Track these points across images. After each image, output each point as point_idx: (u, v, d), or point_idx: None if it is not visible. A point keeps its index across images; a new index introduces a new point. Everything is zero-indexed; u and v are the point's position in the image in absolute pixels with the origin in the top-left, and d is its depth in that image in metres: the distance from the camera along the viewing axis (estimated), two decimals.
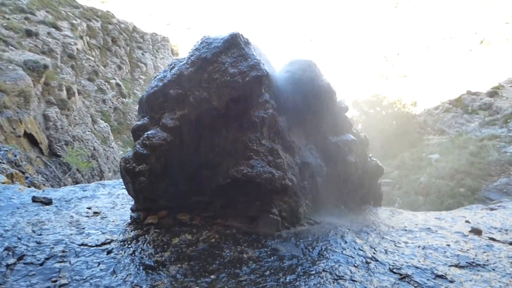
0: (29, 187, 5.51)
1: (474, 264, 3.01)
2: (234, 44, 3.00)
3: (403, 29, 77.71)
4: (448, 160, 12.91)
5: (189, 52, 3.16)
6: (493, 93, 19.91)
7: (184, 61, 3.17)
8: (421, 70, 50.47)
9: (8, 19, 18.17)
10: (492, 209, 5.82)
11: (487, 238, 3.72)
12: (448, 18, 71.94)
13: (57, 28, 21.32)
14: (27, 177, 7.23)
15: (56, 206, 3.91)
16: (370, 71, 72.65)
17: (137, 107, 3.72)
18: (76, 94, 15.07)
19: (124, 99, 24.35)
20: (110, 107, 21.92)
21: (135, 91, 28.74)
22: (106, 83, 23.21)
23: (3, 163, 6.62)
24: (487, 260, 3.10)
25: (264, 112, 3.11)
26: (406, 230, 3.77)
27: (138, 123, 3.50)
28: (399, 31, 77.57)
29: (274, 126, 3.24)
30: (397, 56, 68.33)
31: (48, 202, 3.97)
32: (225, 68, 2.94)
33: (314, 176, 3.60)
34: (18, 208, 3.79)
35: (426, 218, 4.48)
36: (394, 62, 69.70)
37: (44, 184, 8.00)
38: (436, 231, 3.81)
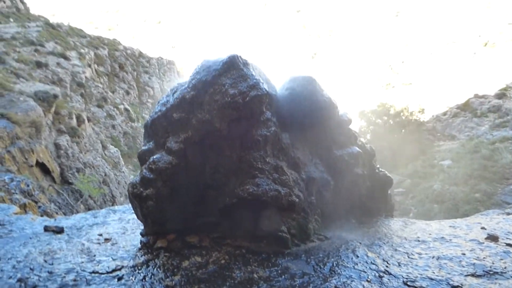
0: (42, 216, 5.58)
1: (491, 272, 2.92)
2: (233, 66, 3.05)
3: (406, 37, 77.93)
4: (461, 166, 12.72)
5: (190, 76, 3.22)
6: (501, 95, 19.71)
7: (186, 85, 3.23)
8: (427, 76, 50.32)
9: (18, 52, 18.77)
10: (508, 214, 5.67)
11: (504, 244, 3.62)
12: (450, 22, 71.96)
13: (65, 58, 21.92)
14: (39, 206, 7.32)
15: (68, 234, 3.94)
16: (376, 81, 72.66)
17: (143, 130, 3.78)
18: (86, 121, 15.34)
19: (133, 124, 24.71)
20: (119, 132, 22.25)
21: (143, 114, 29.17)
22: (115, 109, 23.63)
23: (16, 193, 6.72)
24: (505, 268, 3.02)
25: (266, 130, 3.12)
26: (419, 241, 3.69)
27: (143, 148, 3.54)
28: (402, 39, 77.80)
29: (278, 143, 3.24)
30: (402, 64, 68.34)
31: (59, 230, 4.00)
32: (225, 89, 2.98)
33: (321, 191, 3.57)
34: (30, 238, 3.83)
35: (440, 227, 4.38)
36: (399, 70, 69.67)
37: (56, 213, 8.08)
38: (450, 240, 3.72)
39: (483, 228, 4.30)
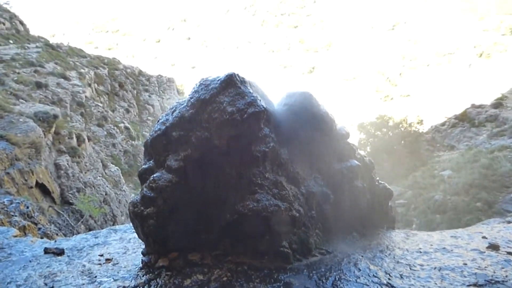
0: (41, 238, 5.56)
1: (493, 281, 2.92)
2: (231, 84, 3.11)
3: (402, 50, 78.81)
4: (461, 175, 12.72)
5: (189, 95, 3.28)
6: (498, 104, 19.86)
7: (185, 104, 3.28)
8: (424, 87, 50.71)
9: (18, 73, 18.95)
10: (509, 222, 5.67)
11: (505, 253, 3.61)
12: (445, 35, 72.90)
13: (65, 78, 22.13)
14: (39, 228, 7.28)
15: (68, 256, 3.92)
16: (374, 93, 73.13)
17: (144, 148, 3.82)
18: (86, 140, 15.39)
19: (133, 142, 24.77)
20: (120, 151, 22.28)
21: (143, 132, 29.26)
22: (115, 127, 23.72)
23: (15, 216, 6.70)
24: (506, 276, 3.01)
25: (265, 146, 3.16)
26: (421, 252, 3.68)
27: (144, 166, 3.57)
28: (399, 52, 78.66)
29: (276, 158, 3.27)
30: (399, 76, 68.91)
31: (60, 252, 3.98)
32: (223, 107, 3.03)
33: (321, 205, 3.58)
34: (30, 261, 3.82)
35: (441, 237, 4.38)
36: (397, 82, 70.18)
37: (57, 234, 8.03)
38: (452, 250, 3.71)
39: (484, 237, 4.29)
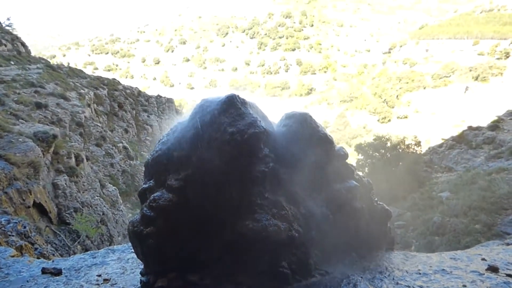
0: (38, 258, 5.51)
1: None
2: (231, 105, 3.18)
3: (399, 72, 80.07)
4: (459, 197, 12.72)
5: (190, 115, 3.35)
6: (494, 126, 20.06)
7: (186, 124, 3.35)
8: (421, 109, 51.28)
9: (18, 93, 19.09)
10: (508, 244, 5.67)
11: (505, 275, 3.61)
12: (442, 58, 74.27)
13: (65, 98, 22.28)
14: (36, 248, 7.21)
15: (66, 276, 3.91)
16: (372, 115, 73.85)
17: (143, 168, 3.85)
18: (85, 160, 15.39)
19: (131, 161, 24.73)
20: (118, 171, 22.21)
21: (142, 152, 29.26)
22: (114, 147, 23.74)
23: (13, 235, 6.65)
24: None
25: (265, 166, 3.21)
26: (420, 274, 3.68)
27: (144, 186, 3.60)
28: (396, 74, 79.85)
29: (276, 178, 3.32)
30: (396, 99, 69.75)
31: (57, 272, 3.97)
32: (224, 128, 3.09)
33: (320, 225, 3.60)
34: (27, 281, 3.80)
35: (441, 259, 4.37)
36: (394, 104, 70.94)
37: (53, 254, 7.95)
38: (451, 272, 3.71)
39: (483, 259, 4.29)
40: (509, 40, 61.60)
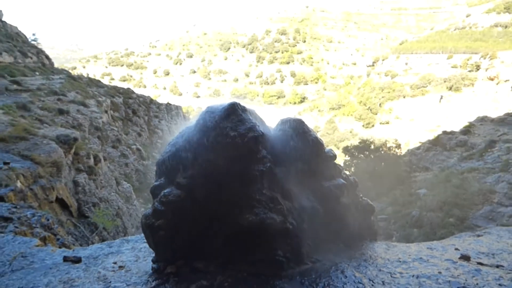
0: (60, 248, 5.49)
1: None
2: (233, 112, 3.20)
3: (381, 83, 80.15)
4: (435, 194, 12.72)
5: (196, 121, 3.36)
6: (466, 131, 20.13)
7: (192, 129, 3.36)
8: (401, 116, 51.39)
9: (43, 101, 19.08)
10: (479, 236, 5.67)
11: (476, 263, 3.62)
12: (419, 70, 74.46)
13: (85, 105, 22.28)
14: (58, 239, 7.18)
15: (85, 264, 3.89)
16: (357, 121, 73.92)
17: (155, 167, 3.86)
18: (102, 160, 15.36)
19: (144, 162, 24.70)
20: (132, 170, 22.18)
21: (153, 153, 29.22)
22: (128, 149, 23.71)
23: (37, 227, 6.62)
24: (477, 284, 3.02)
25: (262, 166, 3.22)
26: (400, 261, 3.69)
27: (155, 183, 3.61)
28: (379, 85, 79.90)
29: (273, 177, 3.33)
30: (379, 107, 69.85)
31: (77, 260, 3.95)
32: (226, 132, 3.11)
33: (312, 218, 3.61)
34: (50, 268, 3.78)
35: (418, 249, 4.38)
36: (377, 111, 71.00)
37: (74, 244, 7.92)
38: (428, 260, 3.72)
39: (456, 249, 4.31)
40: (480, 54, 61.89)
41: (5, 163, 8.73)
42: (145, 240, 4.02)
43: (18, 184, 8.56)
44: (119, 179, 17.47)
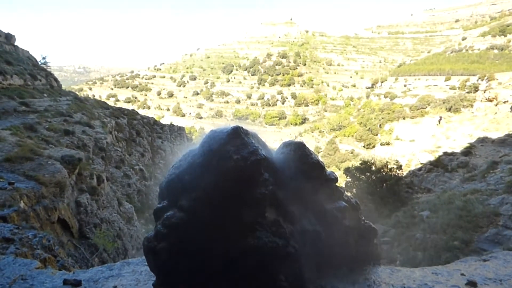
0: (60, 270, 5.39)
1: None
2: (236, 136, 3.22)
3: (382, 104, 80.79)
4: (438, 216, 12.54)
5: (200, 144, 3.38)
6: (467, 152, 20.09)
7: (196, 151, 3.37)
8: (402, 137, 51.40)
9: (49, 122, 19.26)
10: (485, 260, 5.54)
11: None
12: (419, 92, 75.19)
13: (90, 126, 22.46)
14: (58, 261, 7.07)
15: (85, 287, 3.82)
16: (358, 142, 73.96)
17: (157, 188, 3.85)
18: (105, 181, 15.33)
19: (146, 182, 24.63)
20: (134, 190, 22.08)
21: (156, 174, 29.18)
22: (131, 169, 23.70)
23: (38, 249, 6.54)
24: None
25: (265, 189, 3.21)
26: (405, 287, 3.60)
27: (158, 206, 3.59)
28: (379, 106, 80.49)
29: (275, 200, 3.31)
30: (379, 128, 70.01)
31: (77, 283, 3.88)
32: (229, 155, 3.12)
33: (314, 242, 3.56)
34: None
35: (423, 274, 4.28)
36: (377, 132, 71.12)
37: (73, 266, 7.78)
38: (433, 286, 3.63)
39: (462, 274, 4.21)
40: (477, 76, 62.67)
41: (9, 184, 8.73)
42: (145, 263, 3.96)
43: (22, 204, 8.52)
44: (121, 199, 17.35)
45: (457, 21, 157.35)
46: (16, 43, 33.13)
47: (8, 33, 32.45)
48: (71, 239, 10.75)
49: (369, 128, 74.27)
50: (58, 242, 9.21)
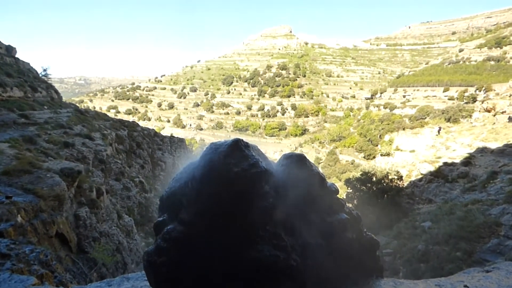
0: (57, 286, 5.33)
1: None
2: (236, 148, 3.22)
3: (381, 115, 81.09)
4: (440, 227, 12.44)
5: (200, 157, 3.38)
6: (467, 162, 20.06)
7: (196, 164, 3.37)
8: (401, 147, 51.41)
9: (49, 134, 19.27)
10: (487, 271, 5.47)
11: None
12: (418, 103, 75.65)
13: (90, 138, 22.48)
14: (56, 276, 6.98)
15: None
16: (358, 152, 73.99)
17: (157, 200, 3.83)
18: (105, 193, 15.26)
19: (146, 195, 24.50)
20: (134, 203, 21.95)
21: (156, 186, 29.07)
22: (131, 182, 23.61)
23: (35, 264, 6.46)
24: None
25: (265, 201, 3.20)
26: None
27: (159, 219, 3.57)
28: (379, 117, 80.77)
29: (276, 212, 3.29)
30: (379, 138, 70.12)
31: None
32: (230, 168, 3.12)
33: (316, 254, 3.52)
34: None
35: (426, 286, 4.23)
36: (377, 142, 71.16)
37: (71, 282, 7.67)
38: None
39: (466, 286, 4.16)
40: (475, 86, 63.18)
41: (7, 197, 8.68)
42: (145, 278, 3.92)
43: (19, 218, 8.46)
44: (120, 212, 17.23)
45: (453, 33, 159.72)
46: (17, 55, 33.44)
47: (9, 45, 32.79)
48: (69, 254, 10.63)
49: (369, 139, 74.43)
50: (56, 257, 9.10)
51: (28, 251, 7.05)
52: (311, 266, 3.47)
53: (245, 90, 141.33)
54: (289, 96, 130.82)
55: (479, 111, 38.96)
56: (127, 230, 15.74)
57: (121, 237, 14.10)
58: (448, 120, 52.95)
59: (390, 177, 22.30)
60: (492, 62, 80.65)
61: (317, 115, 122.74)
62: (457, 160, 21.27)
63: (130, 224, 16.47)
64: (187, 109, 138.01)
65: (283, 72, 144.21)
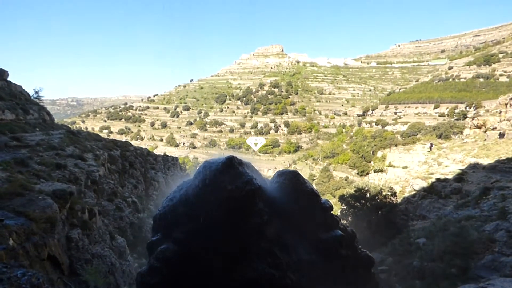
0: None
1: None
2: (230, 166, 3.30)
3: (373, 132, 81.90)
4: (435, 243, 12.41)
5: (194, 175, 3.44)
6: (459, 179, 20.26)
7: (190, 182, 3.43)
8: (394, 164, 51.82)
9: (41, 156, 19.01)
10: None
11: None
12: (409, 119, 76.73)
13: (83, 159, 22.19)
14: None
15: None
16: (352, 169, 74.11)
17: (150, 220, 3.85)
18: (97, 214, 14.99)
19: (139, 214, 24.08)
20: (126, 223, 21.54)
21: (149, 206, 28.60)
22: (124, 202, 23.25)
23: None
24: None
25: (260, 218, 3.25)
26: None
27: (152, 239, 3.59)
28: (371, 133, 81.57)
29: (270, 229, 3.35)
30: (372, 155, 70.62)
31: None
32: (224, 185, 3.19)
33: (311, 272, 3.56)
34: None
35: None
36: (370, 159, 71.60)
37: None
38: None
39: None
40: (465, 103, 64.61)
41: None
42: None
43: (10, 242, 8.30)
44: (113, 233, 16.87)
45: (442, 51, 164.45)
46: (8, 78, 33.42)
47: (1, 69, 32.79)
48: (61, 277, 10.35)
49: (362, 155, 74.80)
50: (48, 280, 8.87)
51: (20, 274, 6.88)
52: (307, 283, 3.50)
53: (238, 108, 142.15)
54: (282, 114, 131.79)
55: (470, 127, 39.66)
56: (119, 251, 15.38)
57: (114, 259, 13.78)
58: (440, 136, 53.68)
59: (383, 193, 22.33)
60: (482, 79, 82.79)
61: (310, 132, 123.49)
62: (450, 176, 21.49)
63: (122, 245, 16.10)
64: (180, 127, 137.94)
65: (276, 90, 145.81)
